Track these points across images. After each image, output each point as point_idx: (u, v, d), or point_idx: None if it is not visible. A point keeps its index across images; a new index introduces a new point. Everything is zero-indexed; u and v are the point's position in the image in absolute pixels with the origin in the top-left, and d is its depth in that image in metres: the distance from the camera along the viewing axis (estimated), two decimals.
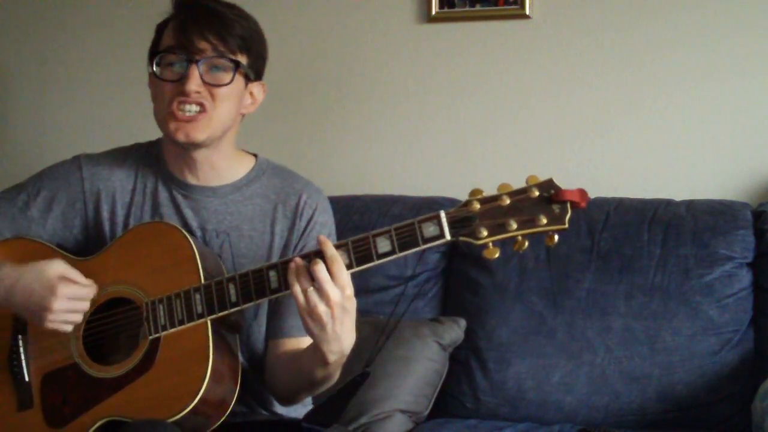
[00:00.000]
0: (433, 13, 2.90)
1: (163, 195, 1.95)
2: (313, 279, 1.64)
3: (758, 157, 2.66)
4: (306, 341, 1.84)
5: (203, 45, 1.83)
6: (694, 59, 2.72)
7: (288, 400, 1.94)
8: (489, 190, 2.70)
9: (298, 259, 1.67)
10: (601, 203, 2.59)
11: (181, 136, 1.85)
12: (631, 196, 2.63)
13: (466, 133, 2.91)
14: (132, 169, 1.99)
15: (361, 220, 2.69)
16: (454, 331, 2.53)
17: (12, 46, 3.34)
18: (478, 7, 2.87)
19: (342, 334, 1.68)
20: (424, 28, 2.93)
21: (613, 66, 2.78)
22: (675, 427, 2.37)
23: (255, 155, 2.03)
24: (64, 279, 1.76)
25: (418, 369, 2.47)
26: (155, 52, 1.89)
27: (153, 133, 2.07)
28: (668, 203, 2.57)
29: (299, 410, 1.98)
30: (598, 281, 2.48)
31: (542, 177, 2.75)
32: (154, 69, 1.87)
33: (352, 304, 1.68)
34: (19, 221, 1.94)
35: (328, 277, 1.64)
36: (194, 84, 1.82)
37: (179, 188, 1.95)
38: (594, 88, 2.80)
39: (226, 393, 1.76)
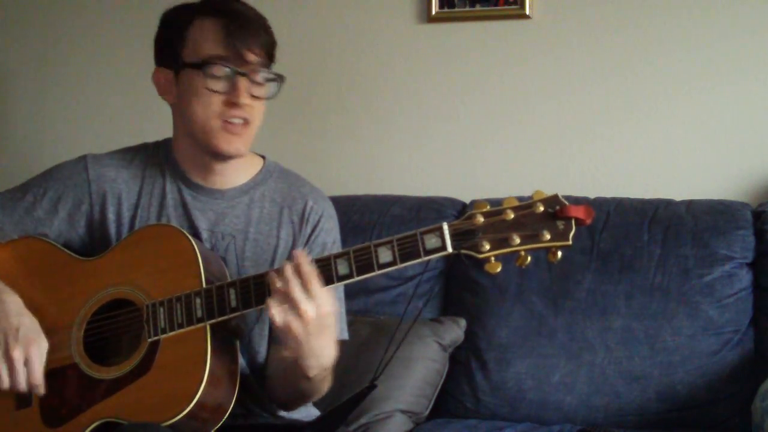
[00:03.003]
0: (433, 13, 2.90)
1: (171, 196, 1.95)
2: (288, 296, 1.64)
3: (758, 157, 2.66)
4: None
5: (251, 57, 1.84)
6: (695, 59, 2.71)
7: (285, 407, 1.94)
8: (489, 191, 2.73)
9: (273, 274, 1.66)
10: (601, 203, 2.59)
11: (232, 150, 1.86)
12: (631, 196, 2.62)
13: (465, 132, 2.91)
14: (139, 170, 1.98)
15: (361, 220, 2.69)
16: (455, 331, 2.53)
17: (12, 46, 3.34)
18: (478, 7, 2.86)
19: (319, 350, 1.68)
20: (424, 28, 2.93)
21: (613, 66, 2.78)
22: (675, 427, 2.37)
23: (263, 157, 2.03)
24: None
25: (419, 369, 2.46)
26: (200, 61, 1.84)
27: (154, 131, 2.07)
28: (668, 203, 2.56)
29: (301, 412, 1.98)
30: (598, 281, 2.48)
31: (543, 179, 2.80)
32: (204, 78, 1.83)
33: (328, 320, 1.66)
34: (25, 222, 1.94)
35: (303, 295, 1.63)
36: (246, 98, 1.83)
37: (189, 189, 1.95)
38: (594, 88, 2.80)
39: (223, 398, 1.76)
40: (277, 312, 1.64)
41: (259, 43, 1.85)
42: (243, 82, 1.83)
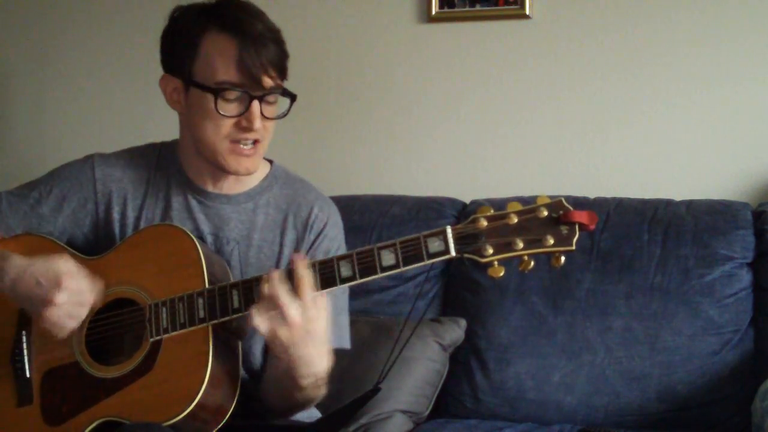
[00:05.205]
0: (433, 13, 2.90)
1: (176, 198, 1.94)
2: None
3: (758, 157, 2.66)
4: None
5: (266, 81, 1.81)
6: (694, 59, 2.72)
7: (281, 414, 1.90)
8: (489, 191, 2.73)
9: (263, 278, 1.65)
10: (601, 203, 2.59)
11: (242, 170, 1.86)
12: (631, 196, 2.62)
13: (465, 132, 2.91)
14: (145, 171, 1.97)
15: (361, 220, 2.69)
16: (455, 331, 2.53)
17: (12, 46, 3.34)
18: (478, 7, 2.87)
19: (309, 359, 1.66)
20: (424, 28, 2.93)
21: (613, 66, 2.78)
22: (675, 427, 2.37)
23: (270, 161, 2.02)
24: (72, 275, 1.73)
25: (419, 369, 2.46)
26: (213, 86, 1.80)
27: (155, 131, 2.07)
28: (668, 203, 2.57)
29: (301, 413, 1.98)
30: (598, 281, 2.48)
31: (542, 178, 2.80)
32: (214, 103, 1.79)
33: (317, 327, 1.64)
34: (29, 218, 1.94)
35: (289, 299, 1.61)
36: (259, 122, 1.81)
37: (195, 194, 1.94)
38: (594, 88, 2.80)
39: (224, 399, 1.75)
40: (261, 320, 1.62)
41: (274, 66, 1.81)
42: (256, 107, 1.80)
